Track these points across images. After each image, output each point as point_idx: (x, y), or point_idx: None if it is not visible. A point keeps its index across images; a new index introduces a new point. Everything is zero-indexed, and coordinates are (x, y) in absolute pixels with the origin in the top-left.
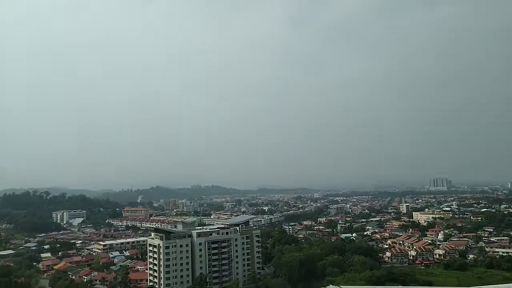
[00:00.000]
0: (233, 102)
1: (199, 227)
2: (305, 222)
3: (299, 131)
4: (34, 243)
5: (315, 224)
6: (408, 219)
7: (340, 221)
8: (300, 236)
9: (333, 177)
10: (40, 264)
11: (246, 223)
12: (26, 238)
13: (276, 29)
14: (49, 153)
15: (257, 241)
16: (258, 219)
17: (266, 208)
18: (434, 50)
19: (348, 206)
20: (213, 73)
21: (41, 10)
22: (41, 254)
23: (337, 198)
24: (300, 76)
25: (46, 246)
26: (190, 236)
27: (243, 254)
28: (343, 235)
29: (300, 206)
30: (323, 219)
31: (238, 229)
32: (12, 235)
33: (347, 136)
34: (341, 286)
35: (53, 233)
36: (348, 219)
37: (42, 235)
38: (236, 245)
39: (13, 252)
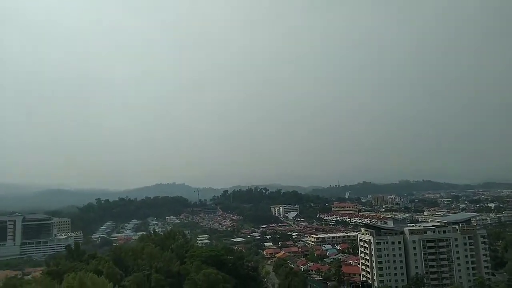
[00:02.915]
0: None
1: (411, 224)
2: None
3: None
4: (259, 233)
5: None
6: None
7: None
8: None
9: None
10: (264, 252)
11: (467, 221)
12: (252, 228)
13: None
14: (266, 154)
15: (483, 242)
16: (483, 218)
17: (492, 205)
18: None
19: None
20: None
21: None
22: (264, 243)
23: None
24: None
25: (268, 236)
26: (402, 233)
27: (466, 256)
28: None
29: None
30: None
31: (457, 228)
32: (241, 225)
33: None
34: None
35: (273, 225)
36: None
37: (264, 226)
38: (456, 246)
39: (243, 240)
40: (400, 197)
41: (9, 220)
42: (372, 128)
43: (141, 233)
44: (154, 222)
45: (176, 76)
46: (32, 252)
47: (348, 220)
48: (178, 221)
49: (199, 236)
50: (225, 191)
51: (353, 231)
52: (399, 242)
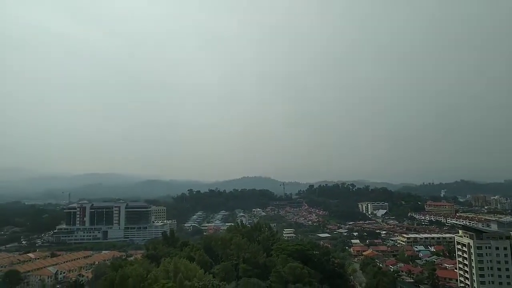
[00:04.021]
0: None
1: None
2: None
3: None
4: (345, 230)
5: None
6: None
7: None
8: None
9: None
10: (351, 249)
11: None
12: (338, 224)
13: None
14: (353, 150)
15: None
16: None
17: None
18: None
19: None
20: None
21: None
22: (351, 240)
23: None
24: None
25: (355, 233)
26: (509, 238)
27: None
28: None
29: None
30: None
31: None
32: (327, 221)
33: None
34: None
35: (360, 222)
36: None
37: (351, 222)
38: None
39: (329, 235)
40: (507, 198)
41: (115, 206)
42: (474, 122)
43: (229, 224)
44: (241, 214)
45: (264, 76)
46: (134, 236)
47: (443, 220)
48: (264, 214)
49: (285, 229)
50: (311, 186)
51: (449, 233)
52: (505, 248)
